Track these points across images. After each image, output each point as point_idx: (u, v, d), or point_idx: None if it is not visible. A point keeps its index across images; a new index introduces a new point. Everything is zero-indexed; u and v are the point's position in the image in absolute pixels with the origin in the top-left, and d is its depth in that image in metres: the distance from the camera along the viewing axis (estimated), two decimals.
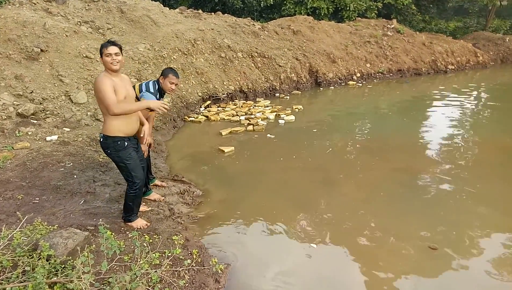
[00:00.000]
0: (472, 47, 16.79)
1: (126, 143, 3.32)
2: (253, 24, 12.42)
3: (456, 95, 10.89)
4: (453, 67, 15.32)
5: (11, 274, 2.46)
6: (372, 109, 9.48)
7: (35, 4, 8.51)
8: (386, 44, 14.45)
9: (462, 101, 10.18)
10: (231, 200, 4.63)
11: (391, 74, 13.87)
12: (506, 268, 3.41)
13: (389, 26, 15.60)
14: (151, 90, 3.89)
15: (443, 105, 9.83)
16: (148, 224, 3.63)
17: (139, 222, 3.61)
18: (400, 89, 12.18)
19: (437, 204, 4.55)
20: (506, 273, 3.34)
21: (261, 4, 16.53)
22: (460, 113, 9.03)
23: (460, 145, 6.68)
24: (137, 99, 3.80)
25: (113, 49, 3.19)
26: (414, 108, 9.70)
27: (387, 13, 18.97)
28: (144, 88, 3.91)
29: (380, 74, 13.60)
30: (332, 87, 11.87)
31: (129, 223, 3.58)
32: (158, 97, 3.90)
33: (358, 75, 13.06)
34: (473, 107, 9.79)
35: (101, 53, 3.20)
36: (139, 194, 3.49)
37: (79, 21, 8.60)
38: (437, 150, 6.42)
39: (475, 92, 11.62)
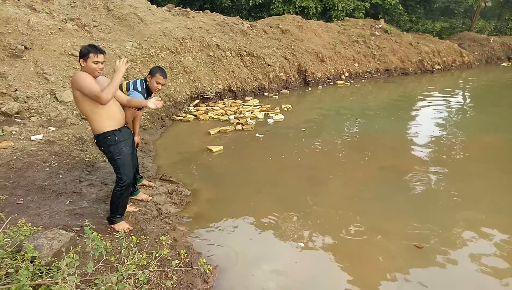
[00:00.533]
0: (458, 48, 17.05)
1: (116, 137, 3.30)
2: (242, 23, 12.39)
3: (442, 95, 11.04)
4: (440, 67, 15.54)
5: None
6: (360, 109, 9.56)
7: (18, 0, 8.34)
8: (374, 44, 14.58)
9: (448, 101, 10.34)
10: (220, 200, 4.61)
11: (379, 74, 13.99)
12: (491, 266, 3.46)
13: (376, 26, 15.75)
14: (139, 88, 3.85)
15: (430, 104, 9.96)
16: (131, 228, 3.54)
17: (122, 225, 3.51)
18: (387, 89, 12.30)
19: (423, 203, 4.60)
20: (492, 271, 3.39)
21: (250, 3, 16.51)
22: (446, 112, 9.16)
23: (446, 143, 6.77)
24: None
25: (102, 58, 3.14)
26: (401, 107, 9.80)
27: (374, 13, 19.14)
28: (131, 87, 3.87)
29: (368, 73, 13.71)
30: (321, 86, 11.93)
31: (112, 225, 3.51)
32: (145, 96, 3.86)
33: (347, 74, 13.15)
34: (459, 106, 9.94)
35: (86, 57, 3.08)
36: (125, 194, 3.44)
37: (65, 18, 8.45)
38: (423, 148, 6.50)
39: (460, 92, 11.81)
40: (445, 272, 3.39)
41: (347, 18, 16.62)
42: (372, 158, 5.99)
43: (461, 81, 13.83)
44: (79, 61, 3.15)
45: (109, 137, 3.27)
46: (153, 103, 3.30)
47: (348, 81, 12.89)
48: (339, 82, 12.54)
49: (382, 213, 4.35)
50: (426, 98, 10.63)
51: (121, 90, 3.81)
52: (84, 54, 3.11)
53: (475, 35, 19.59)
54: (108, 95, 3.07)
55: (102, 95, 3.04)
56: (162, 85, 3.92)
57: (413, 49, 15.46)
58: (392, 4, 18.30)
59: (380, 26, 15.75)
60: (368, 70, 13.73)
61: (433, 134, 7.31)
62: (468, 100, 10.95)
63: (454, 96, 11.03)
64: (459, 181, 5.20)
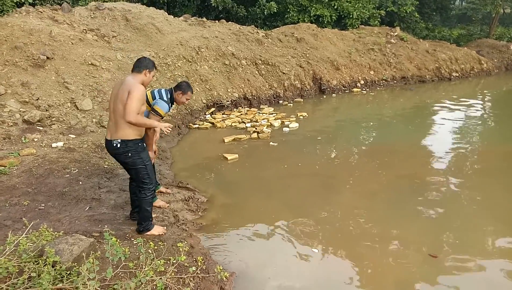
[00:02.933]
0: (476, 55, 16.78)
1: (144, 145, 3.45)
2: (257, 32, 12.50)
3: (460, 103, 10.86)
4: (457, 75, 15.30)
5: (17, 280, 2.46)
6: (376, 117, 9.48)
7: (41, 12, 8.62)
8: (389, 52, 14.48)
9: (466, 109, 10.16)
10: (236, 207, 4.62)
11: (395, 82, 13.86)
12: (508, 279, 3.36)
13: (392, 33, 15.65)
14: (164, 98, 3.90)
15: (448, 112, 9.81)
16: (165, 230, 3.64)
17: (158, 229, 3.62)
18: (404, 97, 12.17)
19: (439, 212, 4.53)
20: (508, 284, 3.29)
21: (265, 12, 16.63)
22: (464, 120, 9.00)
23: (464, 152, 6.64)
24: (149, 104, 3.82)
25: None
26: (418, 115, 9.68)
27: (390, 21, 19.03)
28: (157, 96, 3.91)
29: (384, 81, 13.61)
30: (334, 95, 11.88)
31: (149, 233, 3.54)
32: (170, 106, 3.94)
33: (362, 82, 13.07)
34: (478, 114, 9.76)
35: (151, 68, 3.45)
36: (153, 199, 3.53)
37: (85, 29, 8.69)
38: (441, 157, 6.39)
39: (479, 100, 11.60)
40: (460, 283, 3.32)
41: (362, 26, 16.56)
42: (388, 167, 5.92)
43: (480, 89, 13.58)
44: (144, 71, 3.40)
45: (139, 144, 3.41)
46: (165, 127, 3.42)
47: (363, 89, 12.81)
48: (355, 89, 12.48)
49: (397, 221, 4.29)
50: (443, 106, 10.47)
51: (146, 98, 3.87)
52: (151, 66, 3.47)
53: (494, 42, 19.26)
54: (134, 120, 3.20)
55: (132, 117, 3.17)
56: (188, 99, 4.08)
57: (430, 56, 15.28)
58: (408, 11, 18.17)
59: (396, 33, 15.65)
60: (384, 78, 13.63)
61: (450, 143, 7.19)
62: (487, 108, 10.74)
63: (473, 104, 10.83)
64: (476, 191, 5.09)
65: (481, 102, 11.26)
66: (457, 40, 20.83)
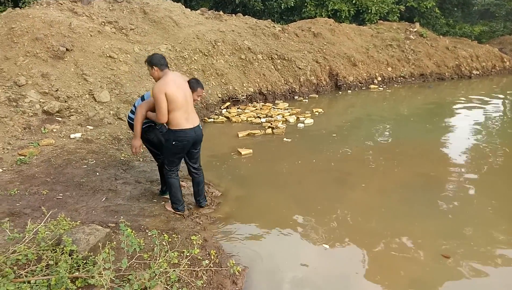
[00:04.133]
0: (498, 52, 16.33)
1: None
2: (274, 26, 12.43)
3: (480, 101, 10.61)
4: (478, 72, 14.94)
5: (36, 267, 2.53)
6: (393, 114, 9.34)
7: (61, 4, 8.74)
8: (408, 48, 14.22)
9: (486, 107, 9.91)
10: (249, 202, 4.64)
11: (413, 79, 13.62)
12: None
13: (411, 29, 15.34)
14: None
15: (467, 111, 9.60)
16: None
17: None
18: (422, 94, 11.96)
19: (454, 212, 4.45)
20: None
21: (282, 6, 16.51)
22: (485, 119, 8.80)
23: (482, 152, 6.49)
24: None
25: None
26: (436, 113, 9.50)
27: (409, 16, 18.66)
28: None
29: (401, 78, 13.38)
30: (350, 91, 11.74)
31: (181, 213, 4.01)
32: None
33: (379, 79, 12.89)
34: (497, 113, 9.52)
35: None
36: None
37: (103, 21, 8.78)
38: (458, 157, 6.27)
39: (500, 99, 11.30)
40: (471, 284, 3.27)
41: (381, 21, 16.29)
42: (404, 165, 5.84)
43: (501, 88, 13.23)
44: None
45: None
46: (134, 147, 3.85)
47: (380, 85, 12.63)
48: (371, 86, 12.31)
49: (411, 220, 4.24)
50: (462, 104, 10.25)
51: None
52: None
53: None
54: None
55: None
56: (199, 96, 4.13)
57: (450, 53, 14.95)
58: (428, 7, 17.79)
59: (415, 29, 15.34)
60: (402, 75, 13.40)
61: (468, 142, 7.04)
62: (508, 107, 10.46)
63: (493, 103, 10.56)
64: (492, 192, 4.99)
65: (502, 102, 10.97)
66: (479, 37, 20.30)
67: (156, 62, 3.65)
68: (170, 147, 3.79)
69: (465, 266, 3.48)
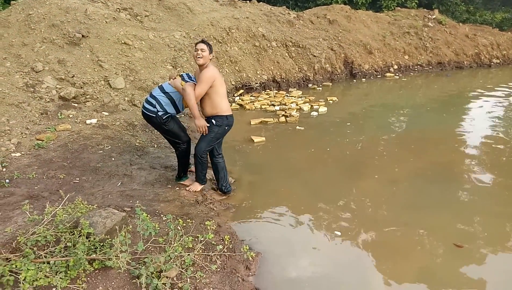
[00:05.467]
0: None
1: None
2: (288, 13, 12.27)
3: (500, 91, 10.34)
4: (498, 61, 14.54)
5: (55, 249, 2.59)
6: (409, 103, 9.19)
7: None
8: (426, 36, 13.89)
9: (505, 97, 9.66)
10: (262, 189, 4.65)
11: (431, 67, 13.34)
12: None
13: (430, 16, 14.96)
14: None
15: (486, 101, 9.37)
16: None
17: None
18: (439, 83, 11.71)
19: (471, 203, 4.39)
20: None
21: None
22: (503, 110, 8.58)
23: (499, 143, 6.35)
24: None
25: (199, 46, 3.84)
26: (453, 103, 9.30)
27: (428, 3, 18.19)
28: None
29: (418, 66, 13.12)
30: (364, 79, 11.56)
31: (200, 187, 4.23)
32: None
33: (395, 67, 12.66)
34: None
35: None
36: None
37: (118, 8, 8.79)
38: (474, 147, 6.15)
39: None
40: (484, 275, 3.23)
41: (398, 8, 15.92)
42: (418, 155, 5.76)
43: None
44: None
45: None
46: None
47: (397, 74, 12.41)
48: (387, 74, 12.10)
49: (424, 209, 4.21)
50: (481, 94, 10.01)
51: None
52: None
53: None
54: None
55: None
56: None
57: (469, 41, 14.57)
58: None
59: (434, 16, 14.95)
60: (419, 63, 13.13)
61: (485, 133, 6.89)
62: None
63: None
64: (508, 183, 4.88)
65: None
66: (500, 24, 19.69)
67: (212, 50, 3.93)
68: (220, 133, 4.06)
69: (479, 256, 3.44)
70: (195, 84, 3.84)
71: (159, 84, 4.24)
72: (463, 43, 14.38)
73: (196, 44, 3.86)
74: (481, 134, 6.82)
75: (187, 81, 3.87)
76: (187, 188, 4.23)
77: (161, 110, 3.96)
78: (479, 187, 4.78)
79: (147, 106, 4.01)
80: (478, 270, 3.29)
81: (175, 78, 4.03)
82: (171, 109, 4.01)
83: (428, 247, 3.56)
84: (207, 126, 3.96)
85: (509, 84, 11.37)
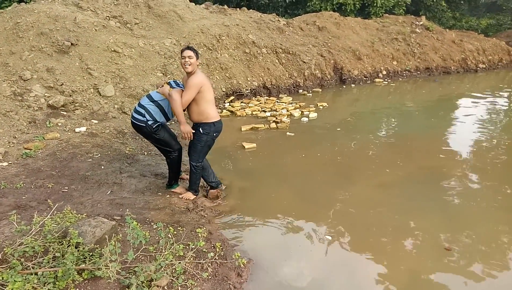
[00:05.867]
0: (506, 45, 16.16)
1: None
2: (278, 20, 12.36)
3: (486, 95, 10.52)
4: (484, 66, 14.81)
5: (43, 259, 2.55)
6: (398, 108, 9.28)
7: None
8: (414, 42, 14.11)
9: (492, 102, 9.83)
10: (253, 195, 4.64)
11: (419, 72, 13.53)
12: None
13: (417, 23, 15.21)
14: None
15: (473, 105, 9.52)
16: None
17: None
18: (427, 88, 11.87)
19: (459, 206, 4.44)
20: None
21: (286, 0, 16.43)
22: (490, 114, 8.72)
23: (487, 147, 6.45)
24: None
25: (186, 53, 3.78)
26: (441, 107, 9.43)
27: (415, 10, 18.50)
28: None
29: (407, 72, 13.30)
30: (353, 85, 11.67)
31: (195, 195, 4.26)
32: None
33: (384, 72, 12.81)
34: (504, 108, 9.43)
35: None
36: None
37: (108, 16, 8.78)
38: (463, 151, 6.23)
39: (506, 93, 11.19)
40: (472, 277, 3.27)
41: (386, 15, 16.16)
42: (408, 159, 5.82)
43: (507, 81, 13.10)
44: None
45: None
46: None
47: (385, 79, 12.55)
48: (377, 80, 12.24)
49: (413, 213, 4.24)
50: (468, 99, 10.17)
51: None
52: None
53: None
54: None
55: None
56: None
57: (456, 47, 14.82)
58: (435, 0, 17.62)
59: (421, 23, 15.20)
60: (407, 69, 13.31)
61: (473, 137, 6.99)
62: None
63: (499, 97, 10.47)
64: (496, 186, 4.96)
65: (508, 96, 10.86)
66: (486, 30, 20.11)
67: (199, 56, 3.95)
68: (210, 140, 4.04)
69: (466, 259, 3.48)
70: (182, 90, 3.84)
71: (147, 93, 4.22)
72: (450, 49, 14.63)
73: (182, 51, 3.80)
74: (469, 138, 6.92)
75: (175, 88, 3.87)
76: (180, 196, 4.21)
77: (151, 119, 3.93)
78: (468, 191, 4.84)
79: (136, 115, 3.97)
80: (467, 272, 3.32)
81: (163, 85, 4.02)
82: (160, 117, 3.99)
83: (417, 250, 3.59)
84: (195, 135, 3.95)
85: (495, 88, 11.57)
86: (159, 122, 3.98)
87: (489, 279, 3.27)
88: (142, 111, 3.93)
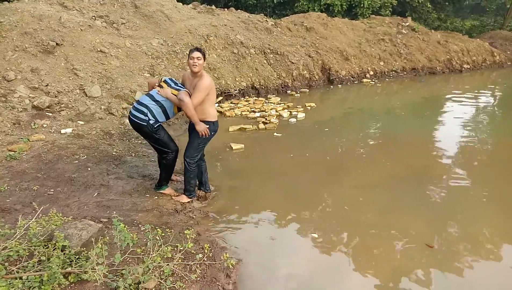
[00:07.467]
0: (489, 46, 16.50)
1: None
2: (266, 21, 12.38)
3: (471, 95, 10.72)
4: (469, 66, 15.08)
5: (27, 263, 2.51)
6: (385, 108, 9.40)
7: None
8: (400, 42, 14.29)
9: (477, 102, 10.03)
10: (241, 196, 4.65)
11: (405, 73, 13.71)
12: (502, 277, 3.35)
13: (403, 24, 15.42)
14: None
15: (458, 105, 9.69)
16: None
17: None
18: (413, 88, 12.04)
19: (443, 204, 4.53)
20: (500, 281, 3.29)
21: (274, 1, 16.47)
22: (474, 113, 8.89)
23: (473, 145, 6.58)
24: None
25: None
26: (427, 107, 9.58)
27: (401, 11, 18.74)
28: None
29: (393, 72, 13.46)
30: (341, 85, 11.76)
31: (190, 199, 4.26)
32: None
33: (371, 73, 12.94)
34: (488, 107, 9.63)
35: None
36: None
37: (94, 16, 8.67)
38: (449, 150, 6.34)
39: (490, 92, 11.43)
40: (454, 272, 3.35)
41: (373, 16, 16.34)
42: (395, 158, 5.90)
43: (491, 82, 13.38)
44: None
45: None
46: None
47: (373, 80, 12.68)
48: (364, 80, 12.35)
49: (399, 211, 4.32)
50: (453, 99, 10.35)
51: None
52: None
53: (508, 34, 18.92)
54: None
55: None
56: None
57: (441, 47, 15.06)
58: (420, 1, 17.89)
59: (407, 24, 15.41)
60: (394, 69, 13.48)
61: (459, 136, 7.12)
62: (497, 101, 10.59)
63: (483, 97, 10.69)
64: (482, 184, 5.08)
65: (492, 95, 11.09)
66: (470, 31, 20.50)
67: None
68: (207, 138, 4.07)
69: (448, 256, 3.55)
70: (187, 91, 3.86)
71: (147, 92, 4.15)
72: (435, 49, 14.85)
73: (191, 51, 3.86)
74: (455, 137, 7.04)
75: (178, 89, 3.87)
76: (174, 198, 4.17)
77: (153, 118, 3.90)
78: (452, 189, 4.93)
79: (136, 114, 3.90)
80: (449, 269, 3.38)
81: (159, 85, 4.00)
82: (161, 118, 3.98)
83: (401, 248, 3.65)
84: (196, 131, 3.99)
85: (479, 88, 11.79)
86: (159, 122, 3.96)
87: (473, 275, 3.34)
88: (145, 110, 3.88)
